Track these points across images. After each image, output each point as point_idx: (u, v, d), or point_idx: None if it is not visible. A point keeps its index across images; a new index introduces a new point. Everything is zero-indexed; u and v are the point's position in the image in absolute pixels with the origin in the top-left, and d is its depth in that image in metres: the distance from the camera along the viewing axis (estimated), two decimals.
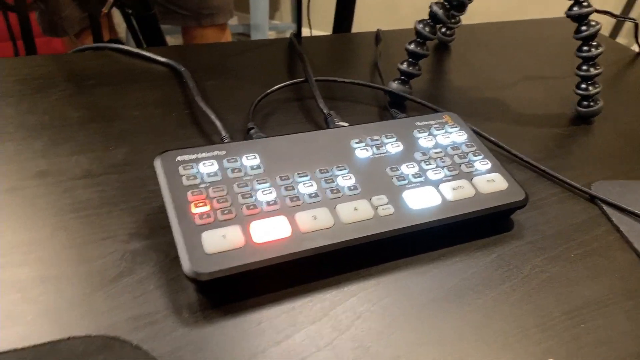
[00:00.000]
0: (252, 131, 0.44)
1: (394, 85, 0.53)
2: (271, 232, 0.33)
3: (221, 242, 0.32)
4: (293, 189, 0.36)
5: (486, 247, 0.38)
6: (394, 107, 0.52)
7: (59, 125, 0.45)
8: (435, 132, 0.43)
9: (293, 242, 0.33)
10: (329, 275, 0.34)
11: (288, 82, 0.52)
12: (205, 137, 0.46)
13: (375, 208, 0.36)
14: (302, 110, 0.51)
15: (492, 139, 0.48)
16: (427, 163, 0.40)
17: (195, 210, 0.33)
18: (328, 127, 0.46)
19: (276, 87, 0.50)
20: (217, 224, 0.33)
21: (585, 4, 0.50)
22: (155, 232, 0.36)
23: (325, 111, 0.48)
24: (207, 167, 0.36)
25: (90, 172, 0.40)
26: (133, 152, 0.43)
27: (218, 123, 0.44)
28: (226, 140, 0.42)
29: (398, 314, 0.32)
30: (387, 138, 0.41)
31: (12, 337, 0.28)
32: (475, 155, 0.41)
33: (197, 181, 0.35)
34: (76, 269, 0.33)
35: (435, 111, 0.50)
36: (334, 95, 0.54)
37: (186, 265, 0.30)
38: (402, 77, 0.53)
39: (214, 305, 0.31)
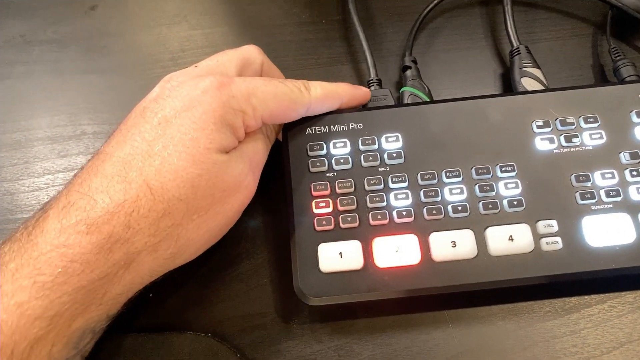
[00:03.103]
0: (407, 72, 0.35)
1: None
2: (396, 256, 0.28)
3: (337, 260, 0.28)
4: (436, 194, 0.29)
5: None
6: (618, 33, 0.37)
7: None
8: None
9: (421, 274, 0.28)
10: (465, 305, 0.29)
11: None
12: (352, 65, 0.38)
13: (539, 239, 0.28)
14: (483, 26, 0.39)
15: None
16: (634, 172, 0.29)
17: (316, 210, 0.29)
18: (512, 68, 0.35)
19: None
20: (336, 234, 0.28)
21: None
22: (280, 204, 0.33)
23: (513, 43, 0.35)
24: (338, 149, 0.30)
25: None
26: None
27: (369, 56, 0.35)
28: (372, 87, 0.34)
29: None
30: (586, 121, 0.30)
31: (137, 316, 0.30)
32: None
33: (324, 168, 0.30)
34: None
35: None
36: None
37: (296, 281, 0.28)
38: None
39: (324, 319, 0.29)
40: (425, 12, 0.38)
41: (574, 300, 0.29)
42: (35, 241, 0.22)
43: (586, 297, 0.29)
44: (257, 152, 0.28)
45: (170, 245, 0.25)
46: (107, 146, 0.25)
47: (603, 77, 0.36)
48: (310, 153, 0.30)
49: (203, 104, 0.25)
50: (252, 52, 0.30)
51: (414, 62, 0.36)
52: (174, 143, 0.24)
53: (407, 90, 0.34)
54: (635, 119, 0.30)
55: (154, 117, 0.25)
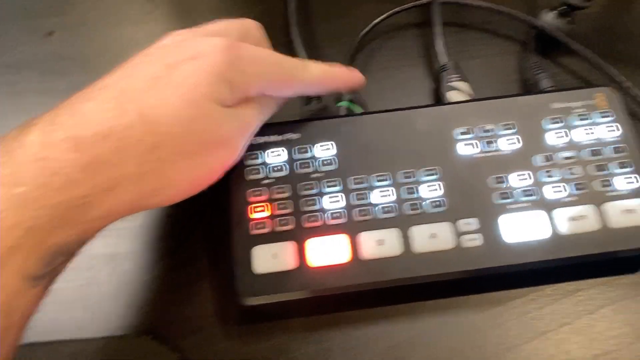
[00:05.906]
0: None
1: (548, 18, 0.40)
2: (328, 255, 0.29)
3: (271, 261, 0.29)
4: (365, 197, 0.31)
5: (592, 292, 0.31)
6: (541, 50, 0.40)
7: None
8: (575, 123, 0.33)
9: (351, 271, 0.29)
10: (395, 302, 0.31)
11: (404, 6, 0.41)
12: None
13: (459, 236, 0.30)
14: (417, 46, 0.42)
15: None
16: (548, 174, 0.31)
17: (252, 215, 0.30)
18: (440, 83, 0.38)
19: (385, 15, 0.41)
20: (271, 237, 0.30)
21: None
22: (219, 212, 0.34)
23: (441, 61, 0.38)
24: (274, 157, 0.32)
25: None
26: None
27: None
28: (313, 102, 0.36)
29: None
30: (504, 128, 0.32)
31: (78, 323, 0.31)
32: (621, 167, 0.31)
33: (261, 176, 0.31)
34: (141, 245, 0.33)
35: (600, 70, 0.37)
36: (466, 20, 0.43)
37: (232, 283, 0.29)
38: (563, 7, 0.40)
39: (261, 319, 0.31)
40: (362, 34, 0.40)
41: (498, 294, 0.31)
42: (16, 153, 0.22)
43: (509, 291, 0.31)
44: (251, 119, 0.29)
45: (153, 180, 0.25)
46: (105, 79, 0.26)
47: (527, 89, 0.39)
48: (246, 162, 0.32)
49: (210, 57, 0.26)
50: (251, 27, 0.31)
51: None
52: (176, 85, 0.25)
53: (343, 104, 0.36)
54: (546, 125, 0.33)
55: (160, 60, 0.26)
